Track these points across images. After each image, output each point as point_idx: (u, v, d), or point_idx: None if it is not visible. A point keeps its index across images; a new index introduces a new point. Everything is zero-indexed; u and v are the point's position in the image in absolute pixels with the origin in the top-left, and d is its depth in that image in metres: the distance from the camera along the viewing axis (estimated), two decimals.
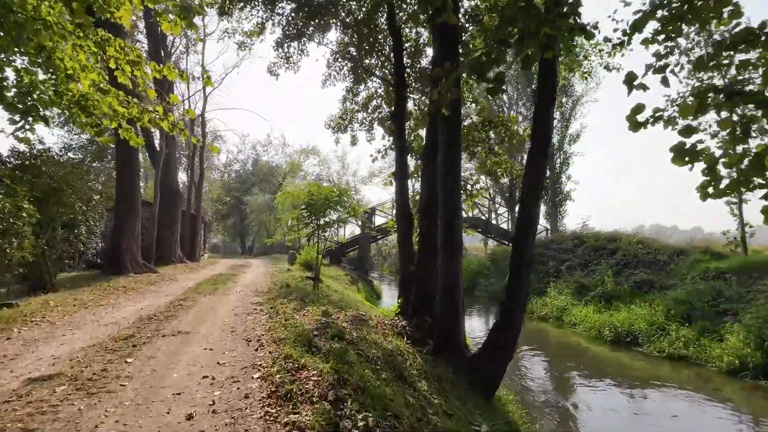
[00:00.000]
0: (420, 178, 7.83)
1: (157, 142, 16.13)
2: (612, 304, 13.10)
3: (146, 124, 6.77)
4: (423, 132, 10.14)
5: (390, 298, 20.45)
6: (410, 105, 10.99)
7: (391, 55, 9.99)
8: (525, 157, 9.03)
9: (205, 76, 6.67)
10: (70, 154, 23.71)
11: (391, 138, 11.25)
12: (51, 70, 6.15)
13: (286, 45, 11.09)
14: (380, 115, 11.25)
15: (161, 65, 6.09)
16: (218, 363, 4.55)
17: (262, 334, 5.81)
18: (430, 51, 11.36)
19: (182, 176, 38.55)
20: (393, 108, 9.61)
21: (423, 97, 11.32)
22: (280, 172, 45.37)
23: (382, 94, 11.65)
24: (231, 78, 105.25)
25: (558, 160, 23.94)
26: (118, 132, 6.55)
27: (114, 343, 5.19)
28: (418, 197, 10.62)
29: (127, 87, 6.77)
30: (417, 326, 7.08)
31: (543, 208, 24.95)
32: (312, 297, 9.02)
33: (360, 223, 20.22)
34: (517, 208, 26.46)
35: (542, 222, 24.33)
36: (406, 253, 8.22)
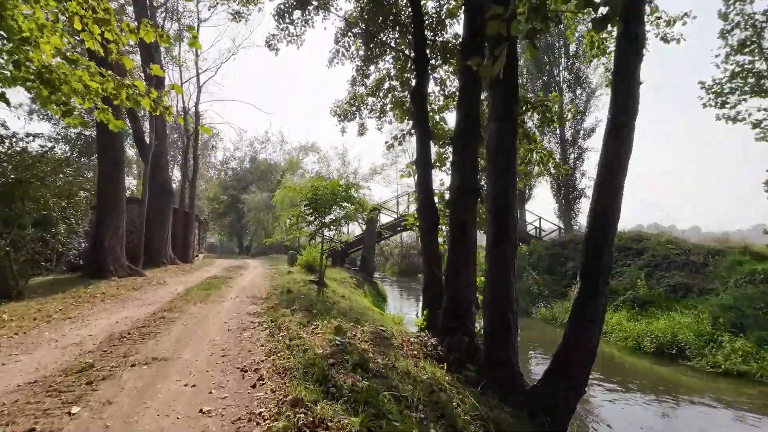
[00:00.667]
0: (449, 167, 6.60)
1: (147, 136, 14.83)
2: (646, 310, 11.90)
3: (125, 102, 5.53)
4: (445, 116, 8.93)
5: (395, 300, 19.21)
6: (431, 85, 9.74)
7: (411, 26, 8.73)
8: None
9: (190, 35, 5.41)
10: (57, 149, 22.34)
11: (406, 124, 10.03)
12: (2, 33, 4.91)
13: (287, 15, 9.80)
14: (395, 98, 9.98)
15: (148, 54, 4.80)
16: (201, 411, 3.29)
17: (261, 360, 4.56)
18: (454, 27, 10.05)
19: (177, 175, 37.20)
20: (414, 86, 8.34)
21: (448, 75, 10.06)
22: (278, 169, 44.06)
23: (395, 75, 10.37)
24: (227, 67, 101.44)
25: (572, 156, 22.77)
26: (101, 119, 5.32)
27: (64, 377, 3.92)
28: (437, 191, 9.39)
29: (98, 54, 5.52)
30: (450, 346, 5.85)
31: (555, 206, 23.80)
32: (319, 306, 7.76)
33: (364, 222, 19.00)
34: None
35: (554, 220, 23.15)
36: (431, 254, 6.92)
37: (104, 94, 5.49)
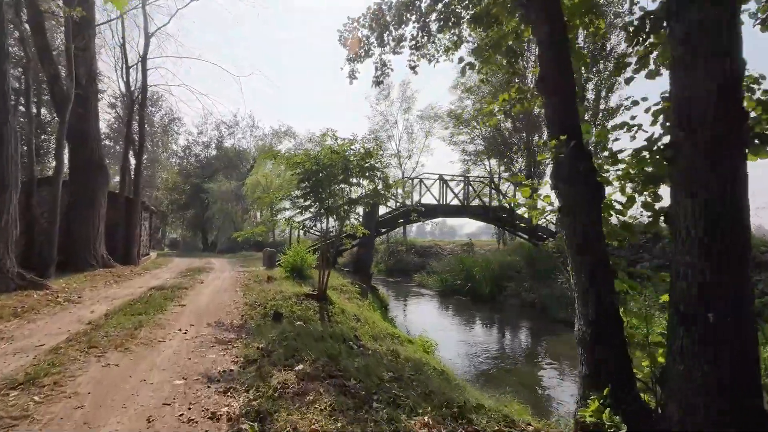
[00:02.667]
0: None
1: (64, 81, 10.35)
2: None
3: None
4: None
5: (396, 308, 15.74)
6: None
7: None
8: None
9: None
10: None
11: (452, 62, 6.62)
12: None
13: None
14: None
15: None
16: None
17: None
18: None
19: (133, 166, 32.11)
20: None
21: None
22: (248, 156, 39.52)
23: None
24: (185, 19, 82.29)
25: (591, 138, 20.08)
26: None
27: None
28: None
29: None
30: None
31: None
32: (345, 359, 4.14)
33: (363, 212, 15.39)
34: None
35: None
36: (595, 261, 3.26)
37: None
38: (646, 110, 3.62)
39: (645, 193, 3.46)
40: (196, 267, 14.65)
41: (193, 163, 39.79)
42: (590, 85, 20.34)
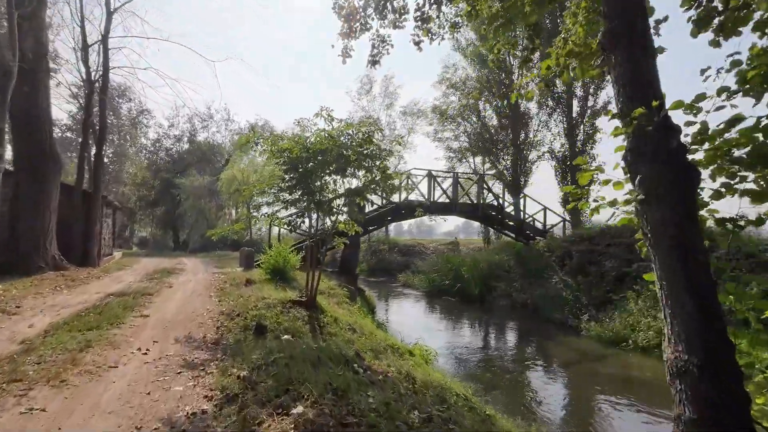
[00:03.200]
0: None
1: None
2: None
3: None
4: None
5: (386, 313, 14.90)
6: None
7: None
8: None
9: None
10: None
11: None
12: None
13: None
14: None
15: None
16: None
17: None
18: None
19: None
20: None
21: None
22: (222, 151, 37.75)
23: None
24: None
25: (580, 137, 19.81)
26: None
27: None
28: None
29: None
30: None
31: (560, 194, 20.81)
32: (355, 394, 3.23)
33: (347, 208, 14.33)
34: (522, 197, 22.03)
35: (559, 210, 20.08)
36: (696, 265, 2.51)
37: None
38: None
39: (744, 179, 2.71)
40: (166, 268, 13.33)
41: (164, 157, 37.66)
42: (578, 83, 20.01)
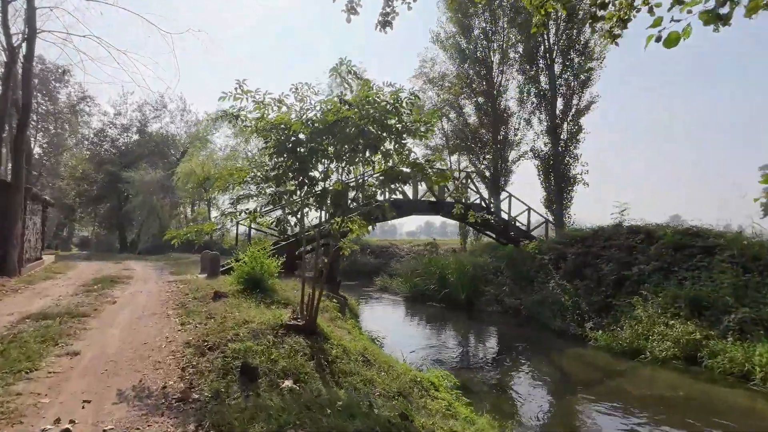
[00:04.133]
0: None
1: None
2: None
3: None
4: None
5: (372, 323, 13.41)
6: None
7: None
8: None
9: None
10: None
11: None
12: None
13: None
14: None
15: None
16: None
17: None
18: None
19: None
20: None
21: None
22: (178, 143, 34.60)
23: None
24: None
25: (563, 136, 19.27)
26: None
27: None
28: None
29: None
30: None
31: (542, 194, 20.08)
32: None
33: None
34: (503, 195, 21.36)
35: (542, 211, 19.49)
36: None
37: None
38: None
39: None
40: (109, 275, 11.09)
41: (109, 149, 33.87)
42: (560, 81, 19.57)
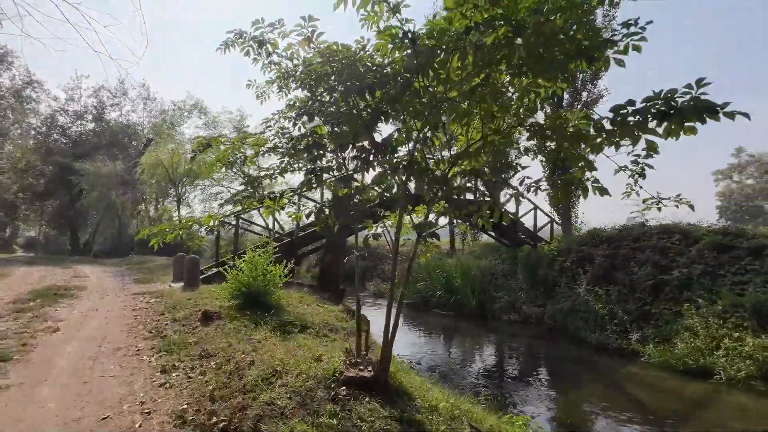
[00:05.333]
0: None
1: None
2: None
3: None
4: None
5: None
6: None
7: None
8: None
9: None
10: None
11: None
12: None
13: None
14: None
15: None
16: None
17: None
18: None
19: None
20: None
21: None
22: (140, 134, 31.37)
23: None
24: None
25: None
26: None
27: None
28: None
29: None
30: None
31: (543, 193, 18.88)
32: None
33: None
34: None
35: (546, 208, 18.28)
36: None
37: None
38: None
39: None
40: (53, 286, 8.66)
41: (59, 138, 30.11)
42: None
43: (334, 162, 3.92)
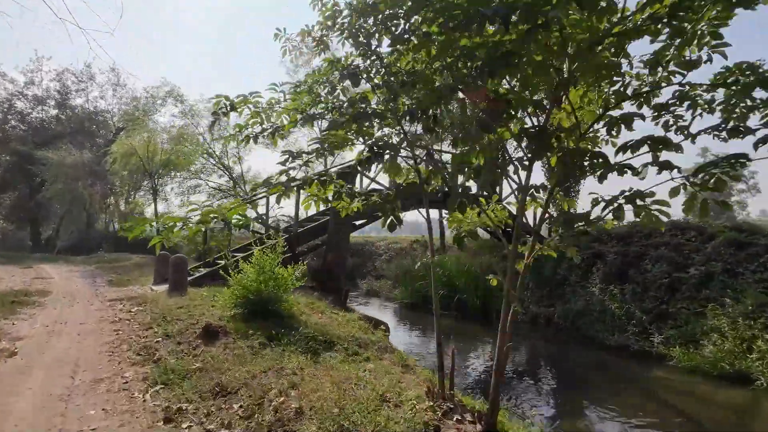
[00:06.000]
0: None
1: None
2: None
3: None
4: None
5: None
6: None
7: None
8: None
9: None
10: None
11: None
12: None
13: None
14: None
15: None
16: None
17: None
18: None
19: None
20: None
21: None
22: (109, 122, 29.16)
23: None
24: None
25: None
26: None
27: None
28: None
29: None
30: None
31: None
32: None
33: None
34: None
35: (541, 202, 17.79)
36: None
37: None
38: None
39: None
40: (10, 291, 7.32)
41: (17, 124, 27.46)
42: None
43: (394, 137, 3.03)
